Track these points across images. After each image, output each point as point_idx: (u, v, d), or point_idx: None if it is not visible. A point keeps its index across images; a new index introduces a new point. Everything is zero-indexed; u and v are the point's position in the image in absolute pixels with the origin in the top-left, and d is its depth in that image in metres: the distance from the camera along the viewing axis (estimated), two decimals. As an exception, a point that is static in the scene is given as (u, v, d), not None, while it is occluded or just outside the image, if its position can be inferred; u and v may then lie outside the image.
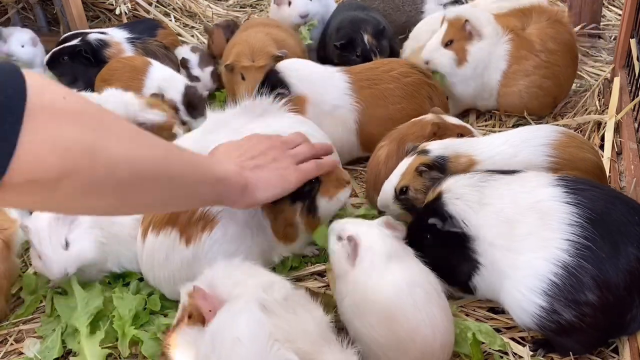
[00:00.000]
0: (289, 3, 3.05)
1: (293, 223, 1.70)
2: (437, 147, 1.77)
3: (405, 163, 1.79)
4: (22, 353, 1.62)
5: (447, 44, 2.38)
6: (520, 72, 2.39)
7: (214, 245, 1.63)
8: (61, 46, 2.89)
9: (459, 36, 2.35)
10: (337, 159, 1.81)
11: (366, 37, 2.64)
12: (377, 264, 1.44)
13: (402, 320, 1.36)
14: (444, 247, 1.54)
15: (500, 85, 2.42)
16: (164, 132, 2.24)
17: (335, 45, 2.69)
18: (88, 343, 1.58)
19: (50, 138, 0.93)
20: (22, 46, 3.22)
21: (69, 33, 3.15)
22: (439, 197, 1.55)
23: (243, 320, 1.14)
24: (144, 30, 3.14)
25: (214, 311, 1.23)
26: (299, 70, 2.23)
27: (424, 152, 1.77)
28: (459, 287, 1.59)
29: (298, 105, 2.14)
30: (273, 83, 2.17)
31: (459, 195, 1.52)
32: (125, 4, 3.83)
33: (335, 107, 2.22)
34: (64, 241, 1.68)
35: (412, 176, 1.75)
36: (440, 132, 1.94)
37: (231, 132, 1.81)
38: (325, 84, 2.23)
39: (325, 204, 1.71)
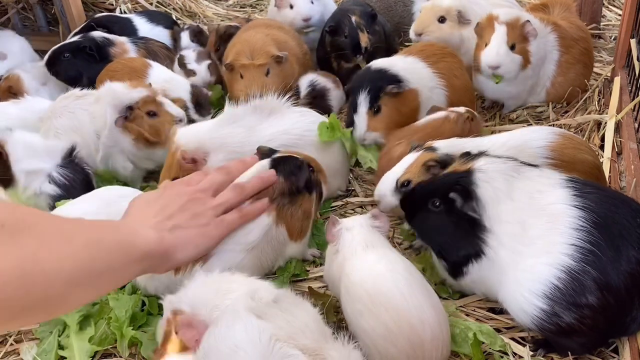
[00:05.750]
0: (291, 6, 3.04)
1: (310, 213, 1.77)
2: (444, 145, 1.78)
3: (411, 157, 1.79)
4: (19, 354, 1.62)
5: (511, 47, 2.32)
6: (571, 60, 2.45)
7: None
8: (61, 44, 2.90)
9: (519, 38, 2.31)
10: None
11: (354, 18, 2.66)
12: (355, 247, 1.50)
13: (387, 305, 1.36)
14: (453, 222, 1.50)
15: (555, 75, 2.46)
16: (152, 104, 2.25)
17: (326, 31, 2.73)
18: (77, 339, 1.58)
19: None
20: None
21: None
22: (470, 173, 1.50)
23: (239, 329, 1.12)
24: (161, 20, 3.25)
25: (200, 340, 1.20)
26: (403, 65, 2.22)
27: (432, 149, 1.77)
28: (450, 265, 1.55)
29: (411, 98, 2.18)
30: (388, 79, 2.16)
31: (490, 180, 1.47)
32: (125, 3, 3.83)
33: (432, 89, 2.25)
34: None
35: (418, 171, 1.75)
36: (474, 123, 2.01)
37: (244, 128, 1.98)
38: (418, 72, 2.24)
39: (325, 190, 1.86)
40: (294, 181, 1.72)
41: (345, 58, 2.76)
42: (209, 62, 2.86)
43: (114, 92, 2.24)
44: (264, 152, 1.81)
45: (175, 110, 2.31)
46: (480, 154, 1.57)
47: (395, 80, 2.16)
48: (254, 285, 1.30)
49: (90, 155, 2.25)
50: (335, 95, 2.64)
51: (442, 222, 1.52)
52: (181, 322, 1.24)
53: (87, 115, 2.27)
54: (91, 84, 2.71)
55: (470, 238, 1.48)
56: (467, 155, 1.59)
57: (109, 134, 2.22)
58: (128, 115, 2.21)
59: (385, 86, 2.14)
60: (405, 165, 1.79)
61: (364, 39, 2.65)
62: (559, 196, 1.43)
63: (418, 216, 1.60)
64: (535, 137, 1.76)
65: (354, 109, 2.18)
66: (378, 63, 2.24)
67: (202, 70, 2.83)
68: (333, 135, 2.08)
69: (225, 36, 2.98)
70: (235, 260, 1.62)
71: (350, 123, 2.19)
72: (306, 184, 1.75)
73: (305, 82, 2.61)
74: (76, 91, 2.37)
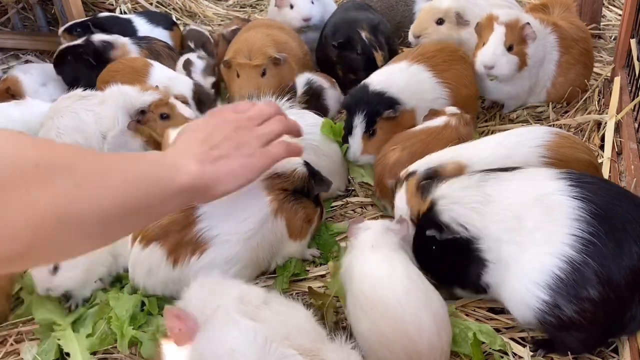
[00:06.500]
0: (291, 6, 3.03)
1: (312, 219, 1.81)
2: (421, 164, 1.77)
3: (402, 194, 1.77)
4: (19, 354, 1.62)
5: (509, 48, 2.30)
6: (571, 61, 2.45)
7: (202, 269, 1.61)
8: (67, 45, 2.90)
9: (518, 40, 2.30)
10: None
11: (364, 34, 2.61)
12: (362, 248, 1.52)
13: (382, 311, 1.36)
14: (449, 254, 1.52)
15: (556, 75, 2.46)
16: (164, 107, 2.27)
17: (333, 45, 2.66)
18: (75, 336, 1.60)
19: (23, 213, 0.92)
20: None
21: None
22: (431, 206, 1.54)
23: (234, 331, 1.12)
24: (160, 21, 3.26)
25: (185, 330, 1.20)
26: (403, 83, 2.20)
27: (412, 174, 1.76)
28: (471, 289, 1.59)
29: (407, 119, 2.16)
30: (385, 104, 2.13)
31: (457, 200, 1.50)
32: (125, 3, 3.83)
33: (433, 101, 2.24)
34: (52, 266, 1.67)
35: (417, 198, 1.71)
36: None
37: None
38: (419, 86, 2.23)
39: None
40: (312, 185, 1.77)
41: (354, 72, 2.67)
42: (214, 80, 2.83)
43: (125, 94, 2.26)
44: None
45: (188, 112, 2.33)
46: (436, 180, 1.58)
47: (392, 103, 2.13)
48: (243, 289, 1.30)
49: None
50: (331, 94, 2.61)
51: (443, 257, 1.52)
52: (169, 313, 1.25)
53: (92, 115, 2.27)
54: (89, 88, 2.71)
55: (469, 255, 1.49)
56: (424, 189, 1.63)
57: (119, 136, 2.23)
58: (141, 118, 2.22)
59: (382, 111, 2.12)
60: (404, 204, 1.76)
61: (379, 58, 2.59)
62: (555, 187, 1.43)
63: (428, 262, 1.60)
64: (532, 137, 1.77)
65: (349, 130, 2.16)
66: (376, 83, 2.18)
67: (206, 86, 2.77)
68: (334, 135, 2.10)
69: None
70: (232, 251, 1.63)
71: (345, 141, 2.18)
72: (315, 198, 1.82)
73: (301, 80, 2.58)
74: (79, 91, 2.37)
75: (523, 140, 1.76)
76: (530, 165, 1.67)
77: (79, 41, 2.87)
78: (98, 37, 2.88)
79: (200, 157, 1.37)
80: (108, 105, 2.26)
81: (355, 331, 1.42)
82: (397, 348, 1.34)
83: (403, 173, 1.80)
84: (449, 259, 1.53)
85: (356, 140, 2.14)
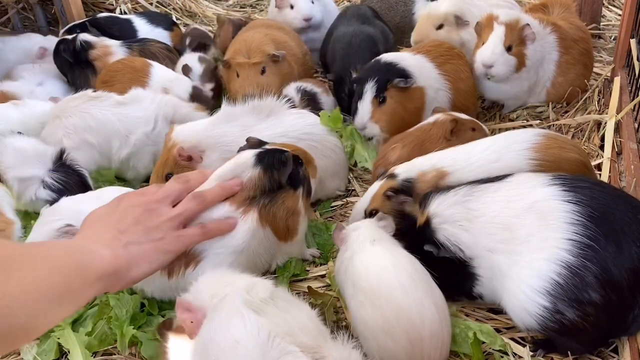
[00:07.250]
0: (291, 6, 3.03)
1: (296, 210, 1.68)
2: (403, 170, 1.79)
3: (376, 186, 1.80)
4: (19, 353, 1.62)
5: (508, 49, 2.31)
6: (571, 61, 2.45)
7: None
8: (62, 37, 2.93)
9: (517, 41, 2.31)
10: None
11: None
12: (362, 242, 1.52)
13: (388, 297, 1.37)
14: (441, 268, 1.51)
15: (556, 75, 2.46)
16: None
17: (329, 79, 2.71)
18: (75, 335, 1.59)
19: None
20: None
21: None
22: (428, 222, 1.55)
23: (237, 323, 1.12)
24: (160, 21, 3.29)
25: (196, 322, 1.20)
26: (412, 62, 2.23)
27: (392, 176, 1.78)
28: (464, 297, 1.60)
29: (417, 96, 2.19)
30: (397, 72, 2.16)
31: (446, 219, 1.52)
32: (125, 3, 3.83)
33: (437, 90, 2.27)
34: None
35: (381, 200, 1.75)
36: (457, 127, 2.00)
37: (240, 128, 1.98)
38: (426, 71, 2.25)
39: (314, 184, 1.82)
40: (276, 176, 1.62)
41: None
42: (213, 85, 2.78)
43: (177, 107, 2.34)
44: (252, 144, 1.75)
45: None
46: (431, 194, 1.59)
47: (403, 74, 2.16)
48: (252, 281, 1.30)
49: (103, 153, 2.28)
50: (325, 99, 2.59)
51: (435, 268, 1.51)
52: (180, 305, 1.25)
53: (110, 115, 2.27)
54: (70, 82, 2.81)
55: (461, 271, 1.51)
56: (388, 198, 1.71)
57: (153, 135, 2.28)
58: None
59: (392, 78, 2.14)
60: (371, 195, 1.79)
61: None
62: (546, 193, 1.43)
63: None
64: (519, 140, 1.77)
65: (359, 96, 2.17)
66: (388, 56, 2.24)
67: (205, 92, 2.73)
68: (332, 123, 2.11)
69: (243, 26, 3.02)
70: (226, 262, 1.58)
71: (355, 112, 2.18)
72: (291, 180, 1.66)
73: (292, 88, 2.54)
74: (88, 92, 2.37)
75: (511, 143, 1.76)
76: (519, 168, 1.67)
77: (70, 36, 2.88)
78: (82, 36, 2.85)
79: (111, 244, 1.33)
80: (144, 106, 2.30)
81: (358, 321, 1.42)
82: (400, 334, 1.35)
83: (391, 169, 1.81)
84: (442, 271, 1.51)
85: (365, 105, 2.15)
